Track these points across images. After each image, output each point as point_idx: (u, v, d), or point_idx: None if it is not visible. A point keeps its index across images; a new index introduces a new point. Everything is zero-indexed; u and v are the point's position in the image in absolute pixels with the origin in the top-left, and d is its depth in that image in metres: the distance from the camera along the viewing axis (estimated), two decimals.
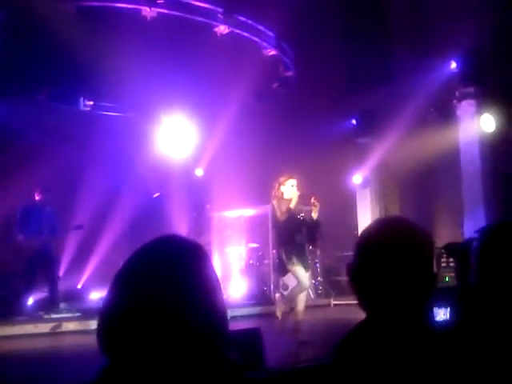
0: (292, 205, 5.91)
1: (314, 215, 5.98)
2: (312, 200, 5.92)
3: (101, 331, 1.09)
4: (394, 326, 1.28)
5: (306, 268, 5.95)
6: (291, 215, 5.91)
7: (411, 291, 1.29)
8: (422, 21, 9.00)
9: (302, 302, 6.00)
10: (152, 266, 1.11)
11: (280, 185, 6.03)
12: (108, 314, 1.09)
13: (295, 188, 5.98)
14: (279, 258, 6.09)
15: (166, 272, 1.09)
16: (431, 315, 1.33)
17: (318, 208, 5.94)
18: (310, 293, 10.41)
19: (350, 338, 1.35)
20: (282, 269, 6.14)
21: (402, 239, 1.32)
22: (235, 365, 1.13)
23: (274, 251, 6.29)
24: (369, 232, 1.40)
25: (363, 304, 1.38)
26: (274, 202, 6.04)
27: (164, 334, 1.04)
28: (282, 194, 6.01)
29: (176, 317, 1.06)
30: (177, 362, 1.05)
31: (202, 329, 1.08)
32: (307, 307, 7.01)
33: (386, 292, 1.30)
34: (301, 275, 5.85)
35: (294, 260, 5.85)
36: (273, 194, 6.09)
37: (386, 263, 1.30)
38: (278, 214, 5.94)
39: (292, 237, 5.94)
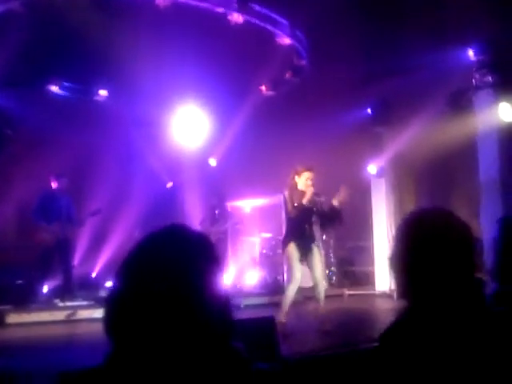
0: (305, 200, 5.91)
1: (335, 202, 5.95)
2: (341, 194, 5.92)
3: (107, 317, 1.11)
4: (441, 311, 1.28)
5: (307, 252, 5.97)
6: (302, 210, 5.93)
7: (454, 279, 1.30)
8: (439, 8, 8.85)
9: (321, 293, 6.00)
10: (157, 255, 1.12)
11: (295, 174, 6.01)
12: (114, 300, 1.11)
13: (310, 182, 5.96)
14: (282, 248, 6.17)
15: (170, 260, 1.11)
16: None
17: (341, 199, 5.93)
18: (324, 283, 10.39)
19: (395, 327, 1.34)
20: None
21: (449, 229, 1.33)
22: (240, 355, 1.13)
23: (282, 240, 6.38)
24: (414, 220, 1.39)
25: (405, 292, 1.37)
26: (286, 194, 6.04)
27: (167, 321, 1.06)
28: (296, 184, 6.00)
29: (179, 304, 1.07)
30: (181, 349, 1.06)
31: (206, 316, 1.08)
32: None
33: (432, 279, 1.30)
34: (294, 267, 5.88)
35: (292, 251, 5.90)
36: (287, 181, 6.08)
37: (433, 251, 1.30)
38: (289, 207, 5.96)
39: (301, 230, 5.98)
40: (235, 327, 1.14)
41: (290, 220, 6.10)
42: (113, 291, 1.13)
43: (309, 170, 5.99)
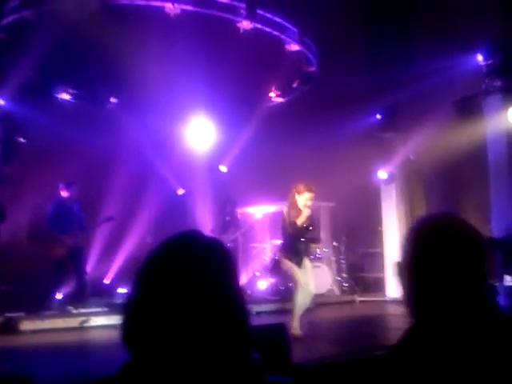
0: (299, 222, 6.14)
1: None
2: None
3: (125, 325, 1.10)
4: (450, 323, 1.22)
5: (300, 266, 6.20)
6: (297, 228, 6.17)
7: (464, 287, 1.25)
8: (447, 13, 8.85)
9: (309, 297, 6.19)
10: (173, 261, 1.11)
11: (296, 192, 6.21)
12: (131, 308, 1.10)
13: (309, 202, 6.17)
14: (278, 259, 6.44)
15: (187, 266, 1.10)
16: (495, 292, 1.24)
17: None
18: (335, 289, 10.39)
19: (405, 341, 1.29)
20: (276, 269, 6.43)
21: (458, 236, 1.29)
22: (256, 365, 1.12)
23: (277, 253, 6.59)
24: (423, 227, 1.35)
25: (414, 302, 1.31)
26: (285, 210, 6.31)
27: (186, 329, 1.05)
28: (296, 202, 6.20)
29: (196, 313, 1.05)
30: (198, 358, 1.04)
31: (224, 325, 1.07)
32: (332, 304, 7.02)
33: (443, 290, 1.25)
34: (297, 275, 6.12)
35: (293, 263, 6.15)
36: (289, 197, 6.30)
37: (444, 259, 1.26)
38: (287, 224, 6.23)
39: (295, 245, 6.23)
40: (253, 337, 1.12)
41: (286, 235, 6.33)
42: (130, 298, 1.12)
43: (309, 191, 6.17)
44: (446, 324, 1.23)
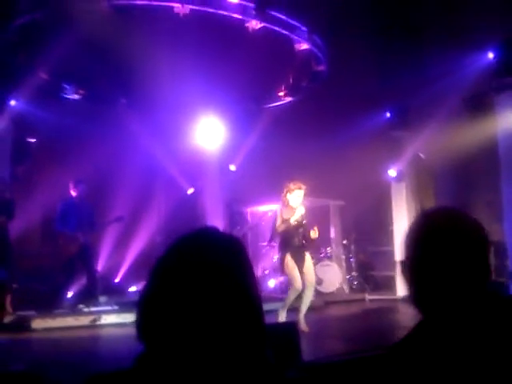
0: (293, 220, 6.19)
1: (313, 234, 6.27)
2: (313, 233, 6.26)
3: (140, 319, 1.10)
4: (452, 321, 1.20)
5: (302, 262, 6.24)
6: (290, 225, 6.23)
7: (470, 283, 1.23)
8: (458, 11, 8.80)
9: (306, 299, 6.21)
10: (189, 257, 1.11)
11: (287, 192, 6.26)
12: (147, 302, 1.10)
13: (301, 199, 6.24)
14: (280, 259, 6.42)
15: (203, 263, 1.09)
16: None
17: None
18: (345, 288, 10.38)
19: (407, 339, 1.27)
20: (281, 268, 6.46)
21: (463, 230, 1.26)
22: (270, 363, 1.11)
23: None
24: (423, 222, 1.32)
25: (420, 299, 1.28)
26: (279, 208, 6.39)
27: (201, 325, 1.04)
28: (288, 201, 6.26)
29: (212, 309, 1.05)
30: (212, 354, 1.04)
31: (239, 322, 1.07)
32: (342, 302, 6.99)
33: (447, 284, 1.22)
34: (295, 277, 6.13)
35: (290, 262, 6.18)
36: (281, 196, 6.37)
37: (448, 254, 1.23)
38: (278, 222, 6.28)
39: (293, 243, 6.27)
40: (266, 334, 1.12)
41: (281, 233, 6.37)
42: (146, 291, 1.11)
43: (299, 188, 6.25)
44: (451, 319, 1.21)
